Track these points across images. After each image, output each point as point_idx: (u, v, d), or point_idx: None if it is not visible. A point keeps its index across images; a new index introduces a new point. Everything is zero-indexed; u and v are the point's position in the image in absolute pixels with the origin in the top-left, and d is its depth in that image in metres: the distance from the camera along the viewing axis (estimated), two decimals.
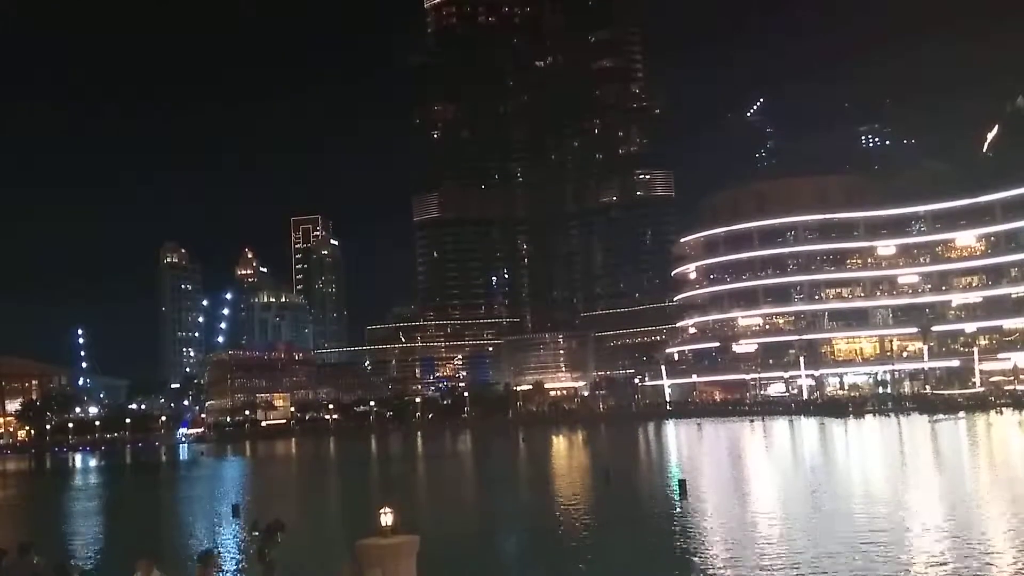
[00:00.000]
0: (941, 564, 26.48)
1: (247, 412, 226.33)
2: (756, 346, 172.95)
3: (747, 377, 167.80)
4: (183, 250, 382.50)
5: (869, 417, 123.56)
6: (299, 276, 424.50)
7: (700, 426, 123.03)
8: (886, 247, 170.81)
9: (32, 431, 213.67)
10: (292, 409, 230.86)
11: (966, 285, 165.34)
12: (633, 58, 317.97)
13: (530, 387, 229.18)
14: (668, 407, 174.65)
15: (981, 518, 35.01)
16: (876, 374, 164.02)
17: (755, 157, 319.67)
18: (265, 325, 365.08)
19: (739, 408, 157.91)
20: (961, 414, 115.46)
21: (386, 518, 15.06)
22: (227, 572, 32.12)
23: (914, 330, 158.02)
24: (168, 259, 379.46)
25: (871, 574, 26.11)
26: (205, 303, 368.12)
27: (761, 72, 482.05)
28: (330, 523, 45.50)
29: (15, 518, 58.39)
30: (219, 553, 22.01)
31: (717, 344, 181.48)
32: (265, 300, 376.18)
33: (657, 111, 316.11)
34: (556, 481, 63.71)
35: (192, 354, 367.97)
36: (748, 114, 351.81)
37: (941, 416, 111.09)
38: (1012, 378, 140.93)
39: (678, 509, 41.30)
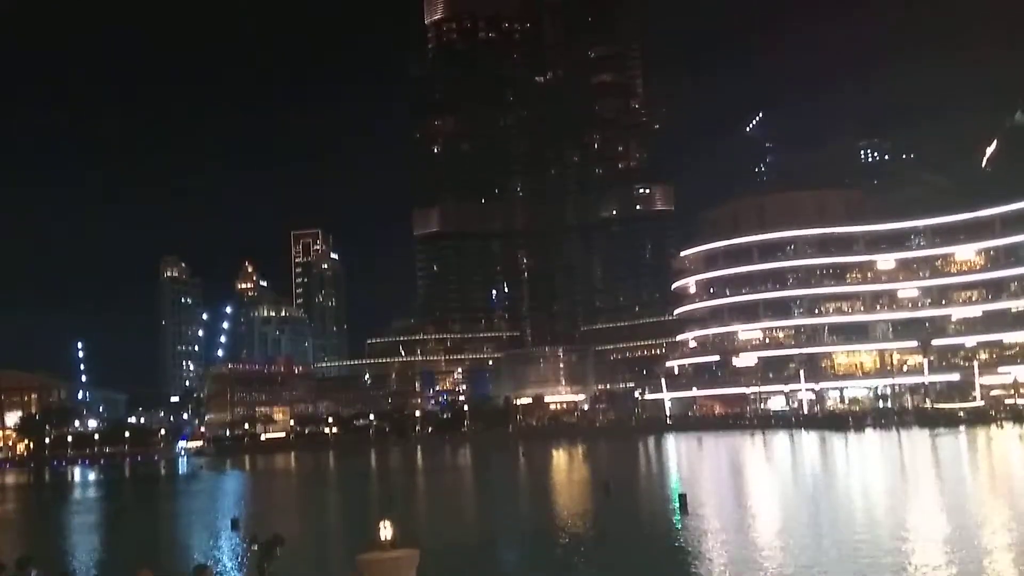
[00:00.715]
0: None
1: (246, 426, 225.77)
2: (756, 360, 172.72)
3: (747, 391, 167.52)
4: (183, 264, 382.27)
5: (869, 431, 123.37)
6: (299, 290, 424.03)
7: (700, 440, 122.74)
8: (886, 261, 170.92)
9: (31, 444, 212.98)
10: (292, 423, 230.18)
11: (966, 299, 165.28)
12: (633, 73, 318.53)
13: (530, 401, 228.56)
14: (668, 421, 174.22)
15: (982, 533, 34.91)
16: (876, 388, 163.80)
17: (755, 171, 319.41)
18: (265, 339, 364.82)
19: (739, 422, 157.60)
20: (961, 428, 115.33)
21: (386, 532, 15.01)
22: None
23: (914, 344, 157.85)
24: (168, 273, 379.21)
25: None
26: (205, 317, 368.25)
27: (761, 86, 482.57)
28: (329, 537, 45.36)
29: (14, 532, 58.17)
30: (213, 568, 21.95)
31: (717, 358, 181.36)
32: (265, 314, 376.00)
33: (657, 125, 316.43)
34: (556, 494, 63.55)
35: (192, 368, 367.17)
36: (748, 128, 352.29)
37: (941, 430, 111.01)
38: (1012, 392, 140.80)
39: (678, 523, 41.18)
